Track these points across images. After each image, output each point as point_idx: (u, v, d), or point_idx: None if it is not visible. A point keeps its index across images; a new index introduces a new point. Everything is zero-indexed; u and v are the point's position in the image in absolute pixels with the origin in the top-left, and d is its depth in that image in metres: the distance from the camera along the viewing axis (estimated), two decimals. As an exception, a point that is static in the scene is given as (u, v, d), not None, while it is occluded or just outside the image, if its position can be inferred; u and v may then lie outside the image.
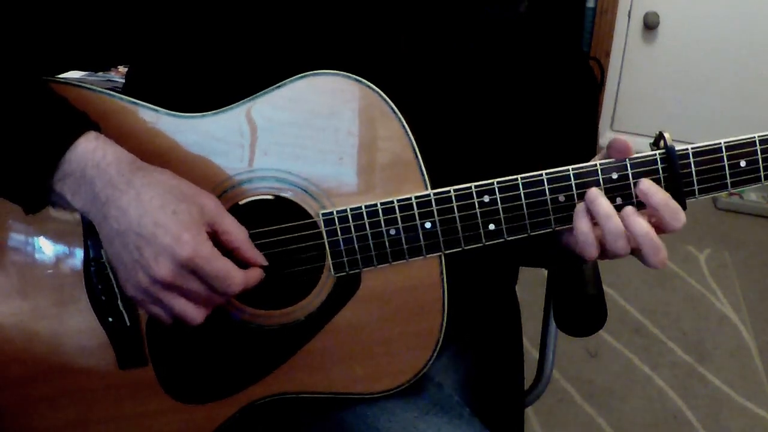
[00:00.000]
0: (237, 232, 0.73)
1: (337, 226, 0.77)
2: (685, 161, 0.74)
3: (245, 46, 0.80)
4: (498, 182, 0.76)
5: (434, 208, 0.76)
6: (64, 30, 0.78)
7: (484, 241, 0.77)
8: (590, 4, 2.86)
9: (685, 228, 0.74)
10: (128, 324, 0.80)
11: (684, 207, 0.74)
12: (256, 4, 0.79)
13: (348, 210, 0.76)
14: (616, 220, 0.73)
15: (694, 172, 0.75)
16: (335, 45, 0.80)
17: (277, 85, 0.76)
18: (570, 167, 0.75)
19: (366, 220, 0.76)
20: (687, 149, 0.74)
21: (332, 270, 0.78)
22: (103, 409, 0.82)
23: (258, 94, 0.76)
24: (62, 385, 0.81)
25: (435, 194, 0.76)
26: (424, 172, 0.76)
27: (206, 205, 0.72)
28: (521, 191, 0.76)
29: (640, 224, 0.72)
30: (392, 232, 0.77)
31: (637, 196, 0.75)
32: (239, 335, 0.80)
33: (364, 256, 0.78)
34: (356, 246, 0.77)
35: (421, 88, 0.82)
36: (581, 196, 0.75)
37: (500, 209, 0.76)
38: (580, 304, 1.00)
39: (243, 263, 0.74)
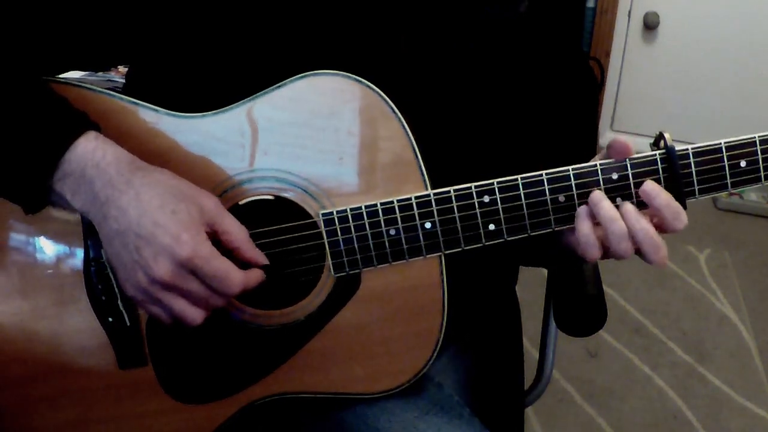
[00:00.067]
0: (237, 232, 0.73)
1: (337, 226, 0.77)
2: (686, 161, 0.74)
3: (245, 46, 0.80)
4: (498, 182, 0.76)
5: (434, 208, 0.76)
6: (65, 30, 0.78)
7: (484, 241, 0.77)
8: (590, 4, 2.86)
9: (685, 228, 0.74)
10: (128, 324, 0.80)
11: (684, 207, 0.74)
12: (256, 4, 0.79)
13: (348, 210, 0.76)
14: (620, 224, 0.73)
15: (694, 173, 0.75)
16: (335, 45, 0.80)
17: (278, 85, 0.76)
18: (570, 167, 0.75)
19: (366, 220, 0.76)
20: (687, 149, 0.74)
21: (332, 270, 0.78)
22: (103, 409, 0.82)
23: (258, 94, 0.76)
24: (62, 385, 0.81)
25: (435, 194, 0.76)
26: (424, 172, 0.76)
27: (206, 204, 0.72)
28: (521, 191, 0.76)
29: (641, 223, 0.73)
30: (392, 232, 0.77)
31: (638, 197, 0.75)
32: (239, 335, 0.80)
33: (364, 256, 0.77)
34: (356, 246, 0.77)
35: (421, 88, 0.82)
36: (581, 197, 0.75)
37: (500, 209, 0.76)
38: (580, 304, 1.00)
39: (244, 264, 0.74)
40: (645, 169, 0.75)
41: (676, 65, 2.96)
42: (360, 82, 0.75)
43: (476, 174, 0.76)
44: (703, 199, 0.77)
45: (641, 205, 0.75)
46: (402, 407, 0.86)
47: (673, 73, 2.97)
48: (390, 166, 0.77)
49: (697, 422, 1.87)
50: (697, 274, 2.42)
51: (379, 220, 0.76)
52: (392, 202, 0.76)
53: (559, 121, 0.90)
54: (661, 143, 0.75)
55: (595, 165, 0.75)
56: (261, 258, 0.75)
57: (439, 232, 0.77)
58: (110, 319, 0.80)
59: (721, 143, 0.74)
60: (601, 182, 0.75)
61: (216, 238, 0.72)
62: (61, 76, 0.79)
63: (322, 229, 0.77)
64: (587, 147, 0.94)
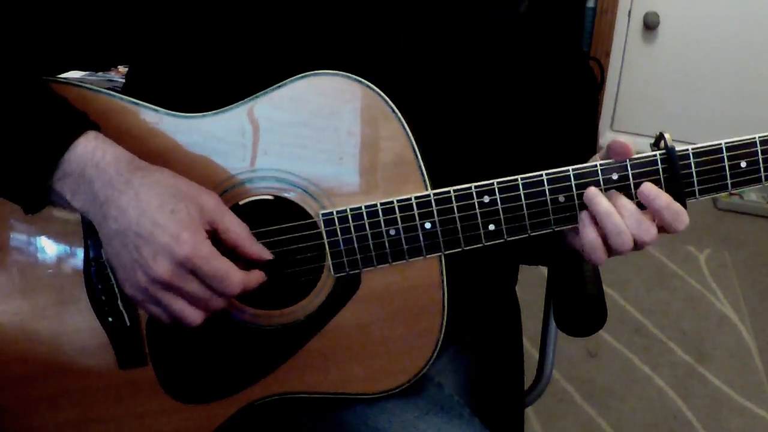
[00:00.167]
0: (238, 230, 0.73)
1: (337, 227, 0.77)
2: (686, 162, 0.74)
3: (245, 46, 0.80)
4: (498, 182, 0.76)
5: (434, 208, 0.76)
6: (65, 30, 0.78)
7: (484, 241, 0.77)
8: (590, 4, 2.86)
9: (685, 228, 0.74)
10: (128, 324, 0.80)
11: (684, 207, 0.74)
12: (257, 4, 0.79)
13: (348, 210, 0.76)
14: (616, 218, 0.73)
15: (694, 173, 0.75)
16: (335, 45, 0.80)
17: (278, 85, 0.76)
18: (570, 168, 0.75)
19: (366, 221, 0.76)
20: (687, 150, 0.74)
21: (332, 270, 0.78)
22: (103, 409, 0.82)
23: (258, 94, 0.76)
24: (62, 384, 0.81)
25: (435, 194, 0.76)
26: (424, 172, 0.76)
27: (206, 203, 0.72)
28: (521, 191, 0.75)
29: (627, 209, 0.73)
30: (392, 232, 0.77)
31: (638, 198, 0.75)
32: (239, 335, 0.80)
33: (364, 256, 0.77)
34: (356, 246, 0.77)
35: (421, 88, 0.82)
36: (581, 197, 0.75)
37: (500, 209, 0.76)
38: (580, 304, 1.00)
39: (246, 264, 0.74)
40: (645, 170, 0.75)
41: (676, 65, 2.96)
42: (360, 82, 0.75)
43: (476, 174, 0.76)
44: (703, 200, 0.77)
45: (642, 206, 0.75)
46: (402, 407, 0.86)
47: (673, 73, 2.97)
48: (390, 166, 0.77)
49: (697, 422, 1.87)
50: (697, 274, 2.42)
51: (379, 221, 0.76)
52: (392, 202, 0.76)
53: (559, 121, 0.90)
54: (662, 143, 0.75)
55: (595, 165, 0.75)
56: (265, 253, 0.75)
57: (439, 233, 0.77)
58: (110, 319, 0.79)
59: (721, 143, 0.74)
60: (601, 182, 0.75)
61: (217, 237, 0.72)
62: (61, 76, 0.79)
63: (322, 229, 0.77)
64: (587, 147, 0.93)
